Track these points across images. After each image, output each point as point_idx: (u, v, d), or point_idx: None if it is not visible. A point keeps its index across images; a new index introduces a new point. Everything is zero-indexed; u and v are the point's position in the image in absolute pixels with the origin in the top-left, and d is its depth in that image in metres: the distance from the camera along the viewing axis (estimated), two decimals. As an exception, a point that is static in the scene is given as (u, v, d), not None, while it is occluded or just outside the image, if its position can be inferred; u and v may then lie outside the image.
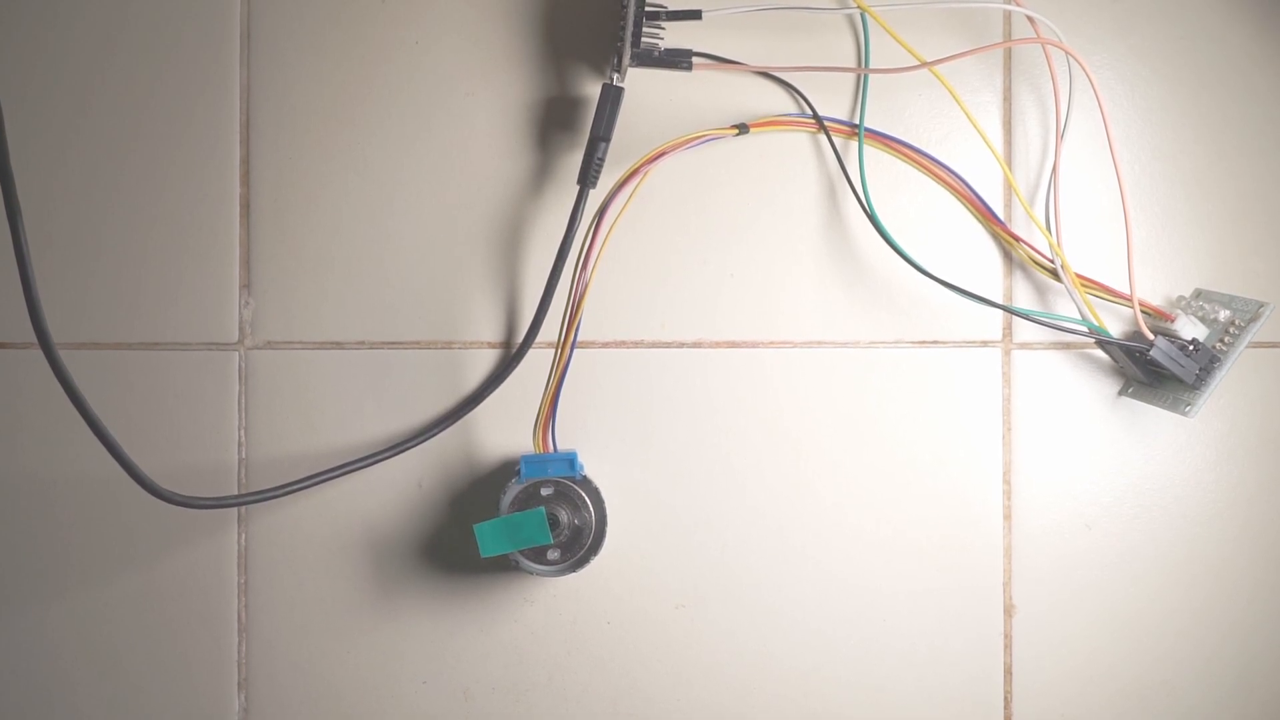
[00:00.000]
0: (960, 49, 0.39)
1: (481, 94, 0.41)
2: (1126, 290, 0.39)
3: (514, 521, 0.37)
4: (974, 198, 0.41)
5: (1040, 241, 0.41)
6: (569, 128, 0.41)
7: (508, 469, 0.41)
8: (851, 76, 0.41)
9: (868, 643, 0.41)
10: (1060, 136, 0.41)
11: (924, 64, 0.38)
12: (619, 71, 0.38)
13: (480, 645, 0.41)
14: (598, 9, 0.41)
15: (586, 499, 0.38)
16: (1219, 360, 0.39)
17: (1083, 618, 0.42)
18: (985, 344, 0.42)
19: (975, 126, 0.41)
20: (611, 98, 0.38)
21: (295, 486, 0.38)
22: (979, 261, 0.42)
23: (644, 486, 0.41)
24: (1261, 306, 0.39)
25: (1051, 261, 0.40)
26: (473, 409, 0.40)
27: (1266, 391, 0.42)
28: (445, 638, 0.41)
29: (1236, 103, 0.42)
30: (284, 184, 0.41)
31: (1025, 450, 0.42)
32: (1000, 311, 0.42)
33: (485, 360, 0.41)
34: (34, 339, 0.32)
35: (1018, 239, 0.41)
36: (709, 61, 0.40)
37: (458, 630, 0.41)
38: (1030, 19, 0.39)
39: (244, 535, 0.40)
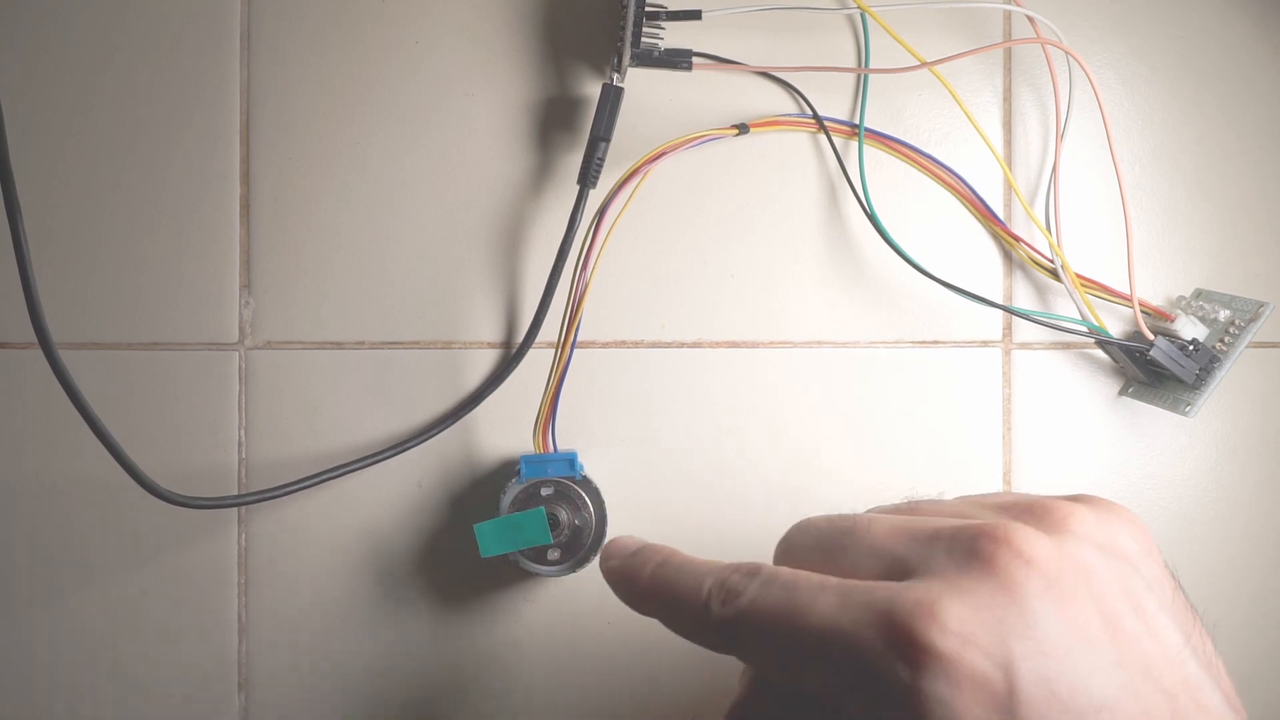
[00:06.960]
0: (960, 49, 0.39)
1: (481, 94, 0.41)
2: (1126, 290, 0.39)
3: (514, 521, 0.37)
4: (974, 198, 0.41)
5: (1040, 241, 0.41)
6: (569, 128, 0.41)
7: (508, 469, 0.41)
8: (851, 76, 0.41)
9: (868, 643, 0.41)
10: (1060, 136, 0.41)
11: (924, 64, 0.38)
12: (619, 71, 0.38)
13: (480, 645, 0.41)
14: (598, 9, 0.41)
15: (587, 499, 0.38)
16: (1219, 360, 0.39)
17: (1083, 618, 0.42)
18: (985, 344, 0.42)
19: (975, 126, 0.41)
20: (611, 98, 0.38)
21: (295, 487, 0.38)
22: (979, 261, 0.42)
23: (644, 486, 0.41)
24: (1261, 306, 0.39)
25: (1051, 261, 0.40)
26: (473, 409, 0.40)
27: (1267, 391, 0.42)
28: (445, 638, 0.41)
29: (1236, 103, 0.42)
30: (284, 184, 0.40)
31: (1025, 450, 0.42)
32: (1000, 311, 0.42)
33: (485, 360, 0.41)
34: (34, 339, 0.32)
35: (1018, 239, 0.41)
36: (709, 61, 0.40)
37: (458, 630, 0.41)
38: (1030, 19, 0.39)
39: (244, 535, 0.40)
